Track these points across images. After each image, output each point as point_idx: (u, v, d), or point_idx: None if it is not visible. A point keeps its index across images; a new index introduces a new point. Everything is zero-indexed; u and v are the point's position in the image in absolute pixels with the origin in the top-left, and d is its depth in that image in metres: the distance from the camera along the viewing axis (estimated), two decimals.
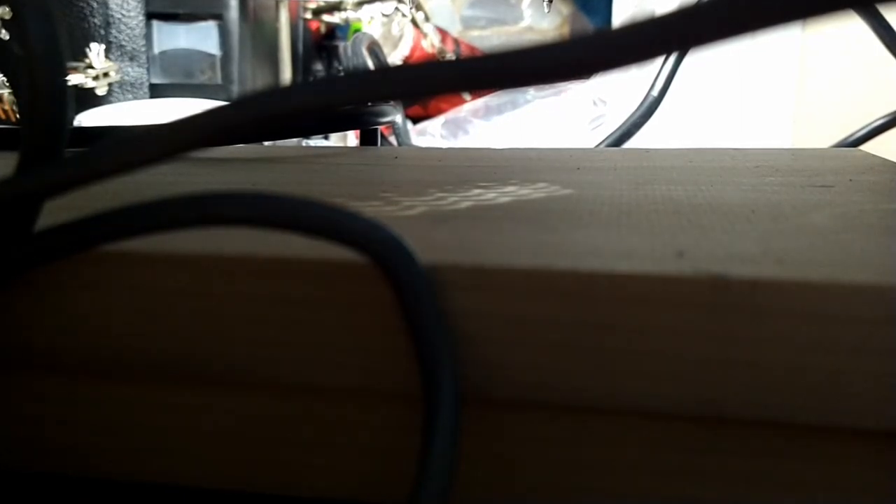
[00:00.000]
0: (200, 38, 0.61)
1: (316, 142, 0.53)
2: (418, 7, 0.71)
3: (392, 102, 0.34)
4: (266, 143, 0.37)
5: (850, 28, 0.54)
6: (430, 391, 0.13)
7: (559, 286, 0.13)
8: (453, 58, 0.12)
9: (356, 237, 0.14)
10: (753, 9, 0.10)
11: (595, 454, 0.15)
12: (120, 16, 0.59)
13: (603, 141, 0.39)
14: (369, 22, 0.70)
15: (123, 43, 0.60)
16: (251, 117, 0.12)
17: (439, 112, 0.72)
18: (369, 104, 0.32)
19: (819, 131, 0.60)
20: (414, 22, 0.71)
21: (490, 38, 0.79)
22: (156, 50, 0.61)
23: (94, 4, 0.59)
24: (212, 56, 0.61)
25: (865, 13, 0.33)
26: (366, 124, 0.33)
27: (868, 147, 0.36)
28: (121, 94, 0.60)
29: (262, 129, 0.28)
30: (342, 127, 0.39)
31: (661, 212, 0.18)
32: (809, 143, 0.60)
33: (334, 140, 0.58)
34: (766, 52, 0.60)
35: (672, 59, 0.37)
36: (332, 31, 0.76)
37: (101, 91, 0.57)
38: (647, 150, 0.29)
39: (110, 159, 0.13)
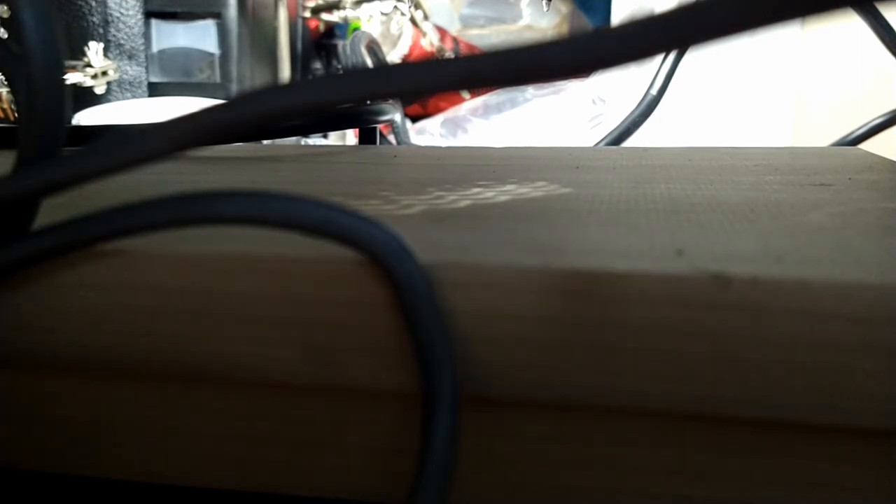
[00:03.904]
0: (199, 36, 0.61)
1: (314, 140, 0.53)
2: (417, 6, 0.71)
3: (391, 101, 0.34)
4: (265, 142, 0.37)
5: (849, 27, 0.54)
6: (430, 390, 0.13)
7: (558, 285, 0.13)
8: (452, 56, 0.12)
9: (355, 236, 0.14)
10: (752, 7, 0.10)
11: (595, 453, 0.15)
12: (118, 14, 0.59)
13: (602, 140, 0.39)
14: (368, 20, 0.70)
15: (122, 41, 0.60)
16: (249, 116, 0.12)
17: (438, 111, 0.72)
18: (368, 103, 0.32)
19: (818, 130, 0.60)
20: (413, 20, 0.71)
21: (489, 36, 0.79)
22: (154, 48, 0.61)
23: (93, 3, 0.59)
24: (210, 55, 0.61)
25: (865, 12, 0.33)
26: (364, 123, 0.33)
27: (867, 146, 0.36)
28: (119, 93, 0.60)
29: (260, 128, 0.28)
30: (341, 126, 0.39)
31: (660, 210, 0.18)
32: (808, 142, 0.60)
33: (333, 139, 0.58)
34: (766, 51, 0.60)
35: (671, 57, 0.37)
36: (331, 30, 0.76)
37: (99, 90, 0.57)
38: (646, 149, 0.29)
39: (108, 157, 0.13)
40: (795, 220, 0.17)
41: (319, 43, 0.75)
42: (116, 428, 0.16)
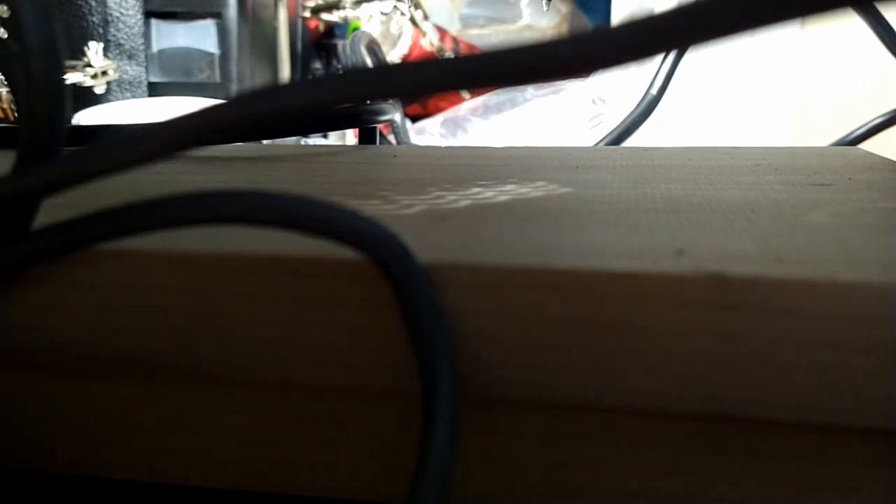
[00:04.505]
0: (199, 36, 0.61)
1: (314, 140, 0.53)
2: (417, 5, 0.71)
3: (391, 101, 0.34)
4: (264, 142, 0.37)
5: (849, 27, 0.54)
6: (429, 390, 0.13)
7: (558, 285, 0.13)
8: (452, 56, 0.12)
9: (355, 236, 0.14)
10: (752, 7, 0.10)
11: (595, 453, 0.15)
12: (118, 14, 0.59)
13: (602, 139, 0.39)
14: (368, 20, 0.70)
15: (122, 41, 0.60)
16: (249, 116, 0.12)
17: (438, 110, 0.72)
18: (368, 102, 0.32)
19: (818, 130, 0.60)
20: (413, 20, 0.71)
21: (489, 36, 0.79)
22: (154, 48, 0.61)
23: (93, 3, 0.59)
24: (210, 54, 0.61)
25: (865, 12, 0.33)
26: (364, 123, 0.33)
27: (867, 145, 0.36)
28: (119, 93, 0.60)
29: (260, 128, 0.28)
30: (341, 125, 0.39)
31: (660, 210, 0.18)
32: (808, 142, 0.60)
33: (333, 139, 0.58)
34: (766, 50, 0.60)
35: (671, 57, 0.37)
36: (331, 30, 0.76)
37: (99, 89, 0.57)
38: (646, 149, 0.29)
39: (108, 157, 0.13)
40: (795, 220, 0.17)
41: (319, 43, 0.75)
42: (116, 428, 0.16)
